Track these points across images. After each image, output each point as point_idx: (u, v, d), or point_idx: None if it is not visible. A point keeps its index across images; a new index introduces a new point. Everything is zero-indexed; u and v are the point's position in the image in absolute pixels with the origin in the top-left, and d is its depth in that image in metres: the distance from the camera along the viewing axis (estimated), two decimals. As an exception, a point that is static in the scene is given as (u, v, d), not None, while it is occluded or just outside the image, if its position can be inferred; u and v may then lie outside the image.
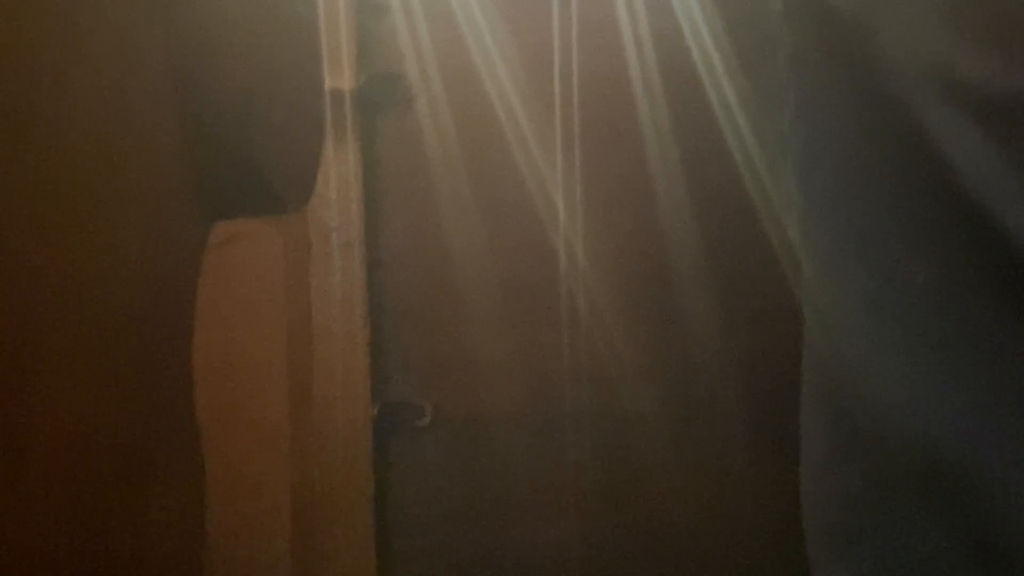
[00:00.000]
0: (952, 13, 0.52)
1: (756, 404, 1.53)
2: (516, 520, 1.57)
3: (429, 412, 1.56)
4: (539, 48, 1.49)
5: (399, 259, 1.55)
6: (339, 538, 1.52)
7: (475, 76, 1.46)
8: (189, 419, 0.52)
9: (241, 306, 1.45)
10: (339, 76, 1.45)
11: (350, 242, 1.50)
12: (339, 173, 1.47)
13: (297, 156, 0.55)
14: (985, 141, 0.51)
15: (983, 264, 0.53)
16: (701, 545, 1.57)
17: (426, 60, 1.47)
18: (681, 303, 1.55)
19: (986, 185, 0.52)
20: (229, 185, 0.51)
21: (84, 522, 0.44)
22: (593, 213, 1.53)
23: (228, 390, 1.43)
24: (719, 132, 1.35)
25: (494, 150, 1.50)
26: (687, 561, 1.57)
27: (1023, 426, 0.53)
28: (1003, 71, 0.51)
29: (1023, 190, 0.51)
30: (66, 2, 0.43)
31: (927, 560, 0.56)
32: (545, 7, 1.48)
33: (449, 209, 1.51)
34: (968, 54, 0.51)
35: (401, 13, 1.46)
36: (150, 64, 0.46)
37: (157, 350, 0.48)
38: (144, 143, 0.46)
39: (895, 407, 0.56)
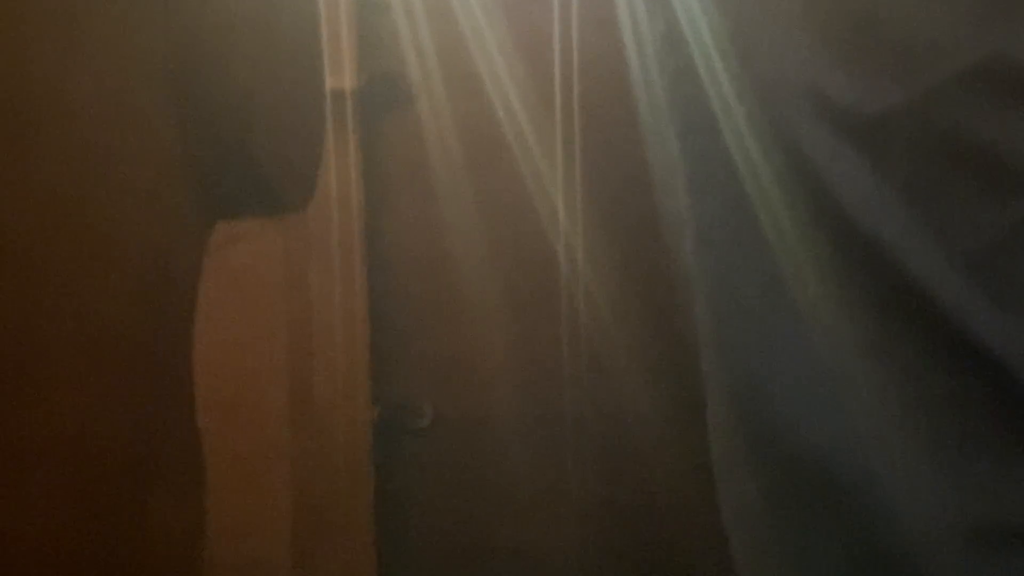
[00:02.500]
0: (822, 34, 0.53)
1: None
2: (516, 520, 1.57)
3: (429, 413, 1.56)
4: (539, 48, 1.49)
5: (399, 259, 1.55)
6: (339, 538, 1.52)
7: (475, 76, 1.46)
8: (189, 419, 0.52)
9: (241, 306, 1.45)
10: (340, 76, 1.45)
11: (350, 242, 1.50)
12: (339, 173, 1.47)
13: (298, 156, 0.55)
14: (858, 159, 0.53)
15: (865, 277, 0.54)
16: (701, 545, 1.57)
17: (427, 60, 1.47)
18: (681, 303, 1.54)
19: (862, 201, 0.53)
20: (230, 185, 0.51)
21: (85, 522, 0.44)
22: (593, 213, 1.53)
23: (228, 390, 1.43)
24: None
25: (494, 150, 1.50)
26: (687, 561, 1.57)
27: (910, 439, 0.53)
28: (871, 92, 0.52)
29: (899, 206, 0.52)
30: (66, 2, 0.43)
31: (829, 573, 0.56)
32: (546, 7, 1.48)
33: (449, 209, 1.51)
34: (837, 76, 0.53)
35: (402, 13, 1.46)
36: (150, 64, 0.46)
37: (158, 350, 0.48)
38: (144, 143, 0.46)
39: (784, 421, 0.57)
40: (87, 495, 0.44)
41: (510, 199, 1.52)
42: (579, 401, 1.55)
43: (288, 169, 0.54)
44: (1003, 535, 0.52)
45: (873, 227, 0.53)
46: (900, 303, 0.53)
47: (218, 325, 1.38)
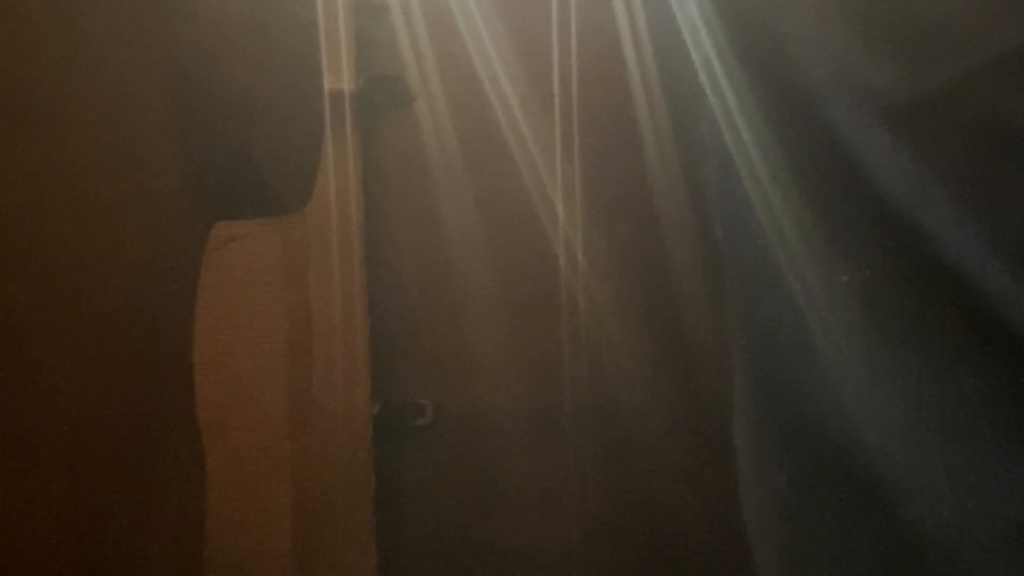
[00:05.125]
0: (858, 20, 0.53)
1: (755, 403, 1.53)
2: (516, 519, 1.57)
3: (430, 411, 1.56)
4: (539, 50, 1.49)
5: (399, 259, 1.55)
6: (339, 538, 1.52)
7: (474, 77, 1.47)
8: (189, 419, 0.52)
9: (241, 306, 1.45)
10: (338, 77, 1.45)
11: (350, 242, 1.50)
12: (339, 174, 1.47)
13: (296, 157, 0.55)
14: (895, 144, 0.52)
15: (903, 264, 0.53)
16: (701, 545, 1.57)
17: (425, 61, 1.47)
18: (681, 303, 1.55)
19: (899, 187, 0.52)
20: (229, 186, 0.51)
21: (85, 522, 0.44)
22: (593, 213, 1.53)
23: (228, 390, 1.43)
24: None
25: (494, 151, 1.50)
26: (687, 561, 1.57)
27: (949, 428, 0.53)
28: (909, 76, 0.51)
29: (934, 192, 0.51)
30: (66, 3, 0.43)
31: (859, 567, 0.56)
32: (545, 8, 1.48)
33: (449, 209, 1.52)
34: (875, 60, 0.52)
35: (400, 14, 1.46)
36: (150, 64, 0.47)
37: (157, 350, 0.48)
38: (144, 143, 0.46)
39: (818, 412, 0.57)
40: (87, 494, 0.44)
41: (510, 199, 1.52)
42: (579, 399, 1.55)
43: (287, 169, 0.54)
44: None
45: (911, 213, 0.52)
46: (938, 291, 0.52)
47: (218, 325, 1.38)
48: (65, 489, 0.43)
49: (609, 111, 1.51)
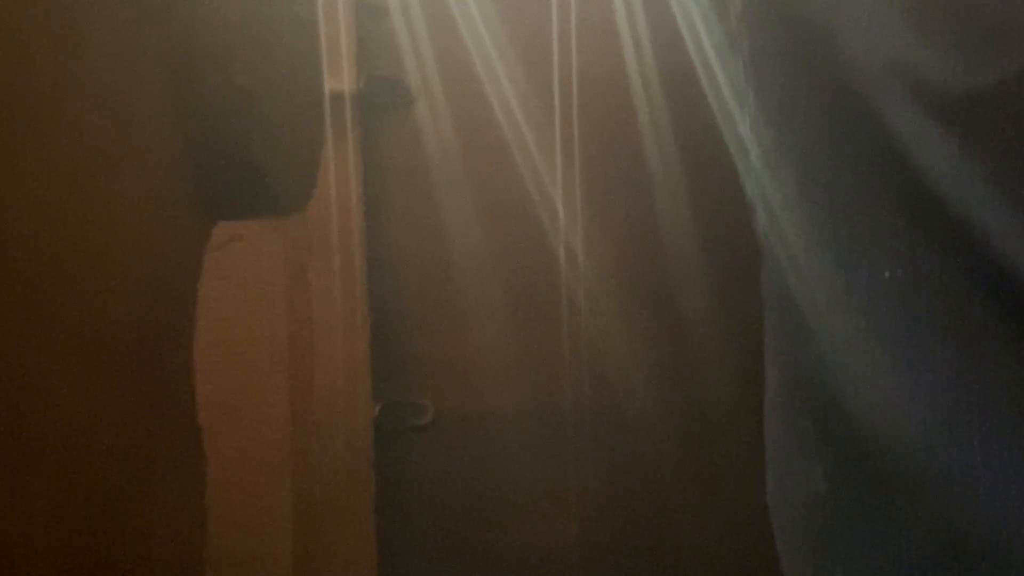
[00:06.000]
0: (912, 13, 0.52)
1: (757, 403, 1.53)
2: (516, 520, 1.57)
3: (430, 411, 1.56)
4: (538, 50, 1.49)
5: (399, 259, 1.55)
6: (339, 538, 1.52)
7: (474, 78, 1.47)
8: (189, 419, 0.52)
9: (241, 306, 1.45)
10: (339, 78, 1.45)
11: (350, 242, 1.51)
12: (339, 174, 1.47)
13: (297, 158, 0.56)
14: (947, 139, 0.52)
15: (949, 260, 0.53)
16: (701, 545, 1.57)
17: (425, 62, 1.47)
18: (681, 302, 1.55)
19: (950, 183, 0.52)
20: (229, 186, 0.51)
21: (86, 522, 0.44)
22: (593, 213, 1.53)
23: (228, 390, 1.43)
24: (717, 132, 1.35)
25: (494, 151, 1.50)
26: (687, 561, 1.57)
27: (991, 424, 0.53)
28: (964, 70, 0.51)
29: (985, 187, 0.51)
30: (66, 3, 0.43)
31: (899, 562, 0.55)
32: (544, 9, 1.48)
33: (449, 210, 1.52)
34: (929, 54, 0.52)
35: (400, 16, 1.46)
36: (150, 65, 0.47)
37: (158, 350, 0.48)
38: (144, 144, 0.46)
39: (858, 406, 0.56)
40: (88, 494, 0.44)
41: (510, 199, 1.52)
42: (579, 400, 1.56)
43: (288, 170, 0.55)
44: None
45: (959, 208, 0.52)
46: (983, 288, 0.52)
47: (218, 325, 1.38)
48: (66, 489, 0.43)
49: (609, 111, 1.51)
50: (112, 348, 0.45)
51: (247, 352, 1.48)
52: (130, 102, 0.45)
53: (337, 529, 1.52)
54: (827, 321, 0.58)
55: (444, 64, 1.48)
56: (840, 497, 0.57)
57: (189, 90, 0.48)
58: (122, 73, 0.45)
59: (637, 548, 1.59)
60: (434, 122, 1.49)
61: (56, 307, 0.42)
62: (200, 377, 0.52)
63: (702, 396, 1.56)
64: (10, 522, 0.41)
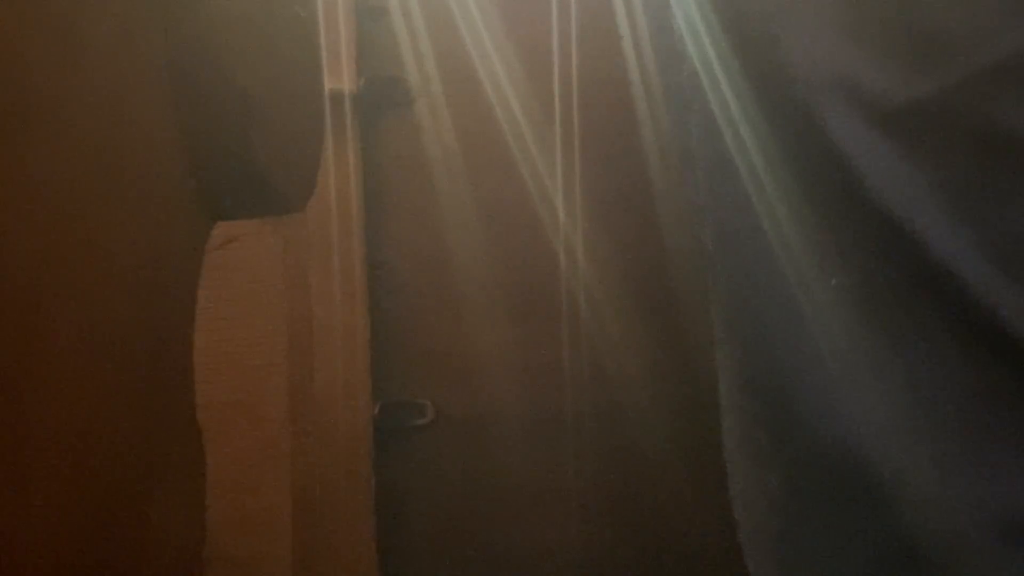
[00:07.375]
0: (854, 24, 0.53)
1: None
2: (516, 519, 1.57)
3: (430, 411, 1.56)
4: (538, 50, 1.49)
5: (399, 259, 1.55)
6: (339, 538, 1.52)
7: (474, 78, 1.47)
8: (189, 419, 0.52)
9: (241, 306, 1.45)
10: (338, 78, 1.45)
11: (350, 242, 1.51)
12: (339, 174, 1.47)
13: (297, 157, 0.55)
14: (890, 148, 0.52)
15: (895, 269, 0.53)
16: (701, 545, 1.57)
17: (426, 62, 1.47)
18: (682, 303, 1.55)
19: (893, 192, 0.52)
20: (229, 186, 0.51)
21: (85, 522, 0.44)
22: (593, 213, 1.53)
23: (228, 390, 1.43)
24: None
25: (494, 151, 1.50)
26: (687, 561, 1.57)
27: (939, 431, 0.53)
28: (905, 80, 0.52)
29: (928, 197, 0.52)
30: (65, 4, 0.43)
31: (854, 568, 0.56)
32: (544, 9, 1.48)
33: (449, 210, 1.52)
34: (870, 65, 0.52)
35: (400, 16, 1.46)
36: (150, 64, 0.47)
37: (158, 350, 0.48)
38: (144, 143, 0.46)
39: (811, 414, 0.57)
40: (87, 494, 0.44)
41: (510, 199, 1.52)
42: (579, 399, 1.56)
43: (287, 170, 0.54)
44: None
45: (903, 217, 0.52)
46: (929, 294, 0.53)
47: (218, 325, 1.38)
48: (65, 489, 0.43)
49: (609, 111, 1.51)
50: (112, 348, 0.45)
51: (246, 352, 1.48)
52: (129, 102, 0.45)
53: (337, 529, 1.52)
54: (776, 331, 0.58)
55: (444, 64, 1.48)
56: (795, 504, 0.58)
57: (189, 90, 0.48)
58: (122, 72, 0.45)
59: (637, 548, 1.59)
60: (434, 122, 1.49)
61: (56, 307, 0.42)
62: (200, 377, 0.52)
63: (702, 396, 1.56)
64: (8, 522, 0.41)
